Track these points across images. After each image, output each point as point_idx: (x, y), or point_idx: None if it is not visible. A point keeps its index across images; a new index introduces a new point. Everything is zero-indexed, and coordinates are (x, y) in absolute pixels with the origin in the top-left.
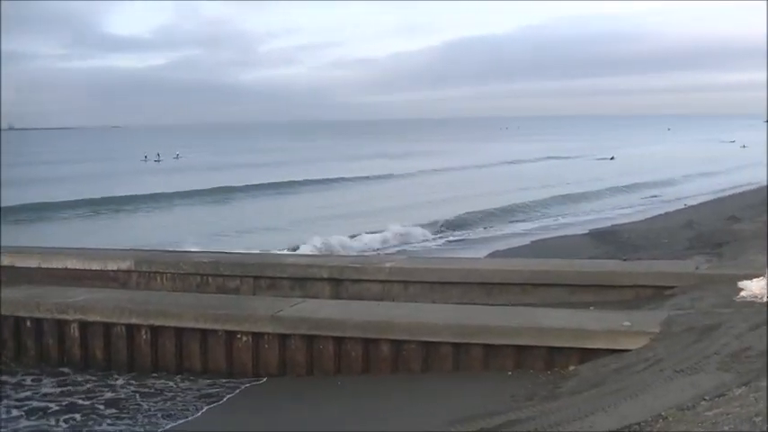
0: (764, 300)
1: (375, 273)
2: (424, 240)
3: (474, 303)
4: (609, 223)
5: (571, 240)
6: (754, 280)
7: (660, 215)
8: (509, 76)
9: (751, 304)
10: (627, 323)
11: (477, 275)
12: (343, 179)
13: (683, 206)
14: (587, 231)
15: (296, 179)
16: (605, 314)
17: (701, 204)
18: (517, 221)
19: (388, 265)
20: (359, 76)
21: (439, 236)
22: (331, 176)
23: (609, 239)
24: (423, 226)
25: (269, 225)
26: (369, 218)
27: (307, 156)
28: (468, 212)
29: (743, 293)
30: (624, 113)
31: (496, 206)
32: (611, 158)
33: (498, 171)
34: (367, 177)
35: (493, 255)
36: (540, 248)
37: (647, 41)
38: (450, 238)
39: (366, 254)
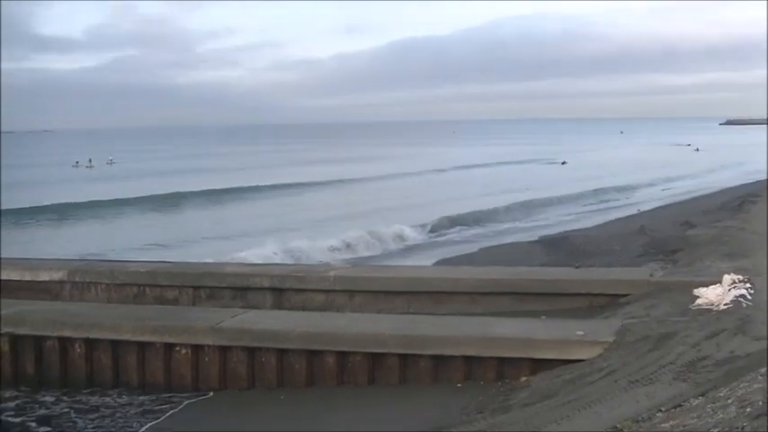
0: (721, 307)
1: (318, 282)
2: (373, 248)
3: (421, 313)
4: (560, 230)
5: (520, 247)
6: (710, 287)
7: (612, 221)
8: (457, 78)
9: (707, 312)
10: (580, 332)
11: (423, 284)
12: (294, 185)
13: (636, 212)
14: (537, 238)
15: (243, 185)
16: (557, 323)
17: (654, 210)
18: (465, 228)
19: (331, 273)
20: (301, 78)
21: (393, 243)
22: (279, 182)
23: (560, 246)
24: (373, 234)
25: (215, 234)
26: (323, 226)
27: (251, 161)
28: (420, 220)
29: (699, 301)
30: (575, 116)
31: (446, 213)
32: (563, 163)
33: (449, 176)
34: (319, 183)
35: (440, 263)
36: (488, 256)
37: (598, 42)
38: (401, 246)
39: (309, 263)
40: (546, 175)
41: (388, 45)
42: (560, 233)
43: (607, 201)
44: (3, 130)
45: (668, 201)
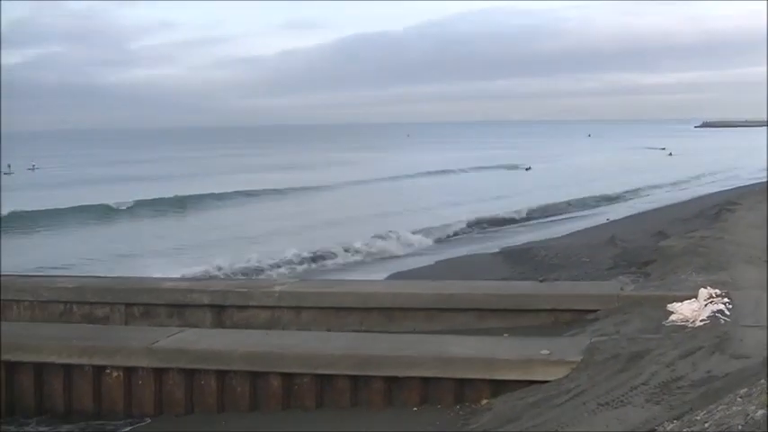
0: (697, 324)
1: (263, 298)
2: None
3: (373, 331)
4: (523, 240)
5: (480, 260)
6: (685, 302)
7: (580, 231)
8: (411, 78)
9: (682, 329)
10: (545, 351)
11: (376, 300)
12: (251, 193)
13: (606, 221)
14: (498, 249)
15: (187, 194)
16: (520, 342)
17: (624, 219)
18: (419, 237)
19: (277, 289)
20: (244, 76)
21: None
22: (233, 190)
23: (523, 258)
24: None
25: (155, 248)
26: (288, 237)
27: (191, 167)
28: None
29: (673, 317)
30: (540, 118)
31: (402, 222)
32: (527, 169)
33: (408, 184)
34: (277, 191)
35: (394, 276)
36: (445, 269)
37: (565, 39)
38: (350, 259)
39: (253, 277)
40: (509, 182)
41: (337, 42)
42: (523, 244)
43: (573, 208)
44: None
45: (640, 209)
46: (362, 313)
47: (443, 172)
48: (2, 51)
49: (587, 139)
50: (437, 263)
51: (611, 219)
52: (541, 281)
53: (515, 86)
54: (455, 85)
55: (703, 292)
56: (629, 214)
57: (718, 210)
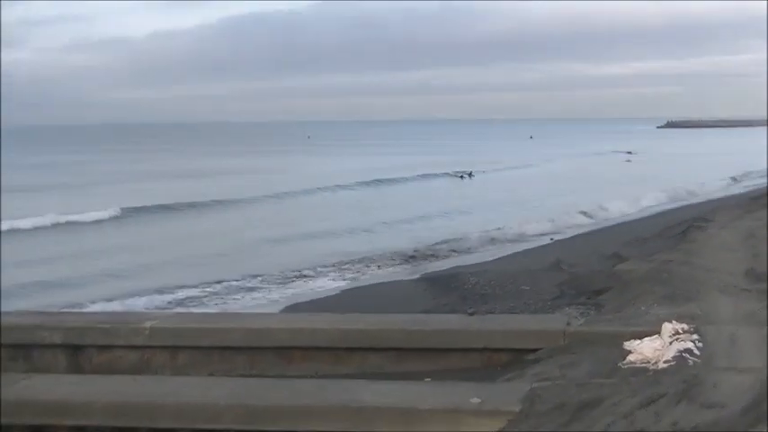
0: (660, 366)
1: (130, 336)
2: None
3: (267, 376)
4: (449, 264)
5: (397, 288)
6: (646, 339)
7: (518, 253)
8: (312, 67)
9: (642, 372)
10: (475, 400)
11: (270, 337)
12: (131, 209)
13: (549, 241)
14: (419, 276)
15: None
16: (446, 388)
17: (572, 238)
18: (324, 259)
19: (147, 324)
20: (107, 62)
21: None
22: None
23: (449, 286)
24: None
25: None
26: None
27: (41, 177)
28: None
29: (631, 357)
30: (468, 116)
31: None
32: (469, 175)
33: (342, 197)
34: (167, 207)
35: (291, 309)
36: (355, 299)
37: (502, 21)
38: (233, 282)
39: (119, 310)
40: (443, 194)
41: (223, 21)
42: (450, 269)
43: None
44: None
45: (590, 227)
46: (253, 354)
47: (379, 182)
48: None
49: (529, 141)
50: (343, 292)
51: (556, 238)
52: (471, 314)
53: (438, 78)
54: (365, 75)
55: (668, 328)
56: (577, 233)
57: (685, 227)
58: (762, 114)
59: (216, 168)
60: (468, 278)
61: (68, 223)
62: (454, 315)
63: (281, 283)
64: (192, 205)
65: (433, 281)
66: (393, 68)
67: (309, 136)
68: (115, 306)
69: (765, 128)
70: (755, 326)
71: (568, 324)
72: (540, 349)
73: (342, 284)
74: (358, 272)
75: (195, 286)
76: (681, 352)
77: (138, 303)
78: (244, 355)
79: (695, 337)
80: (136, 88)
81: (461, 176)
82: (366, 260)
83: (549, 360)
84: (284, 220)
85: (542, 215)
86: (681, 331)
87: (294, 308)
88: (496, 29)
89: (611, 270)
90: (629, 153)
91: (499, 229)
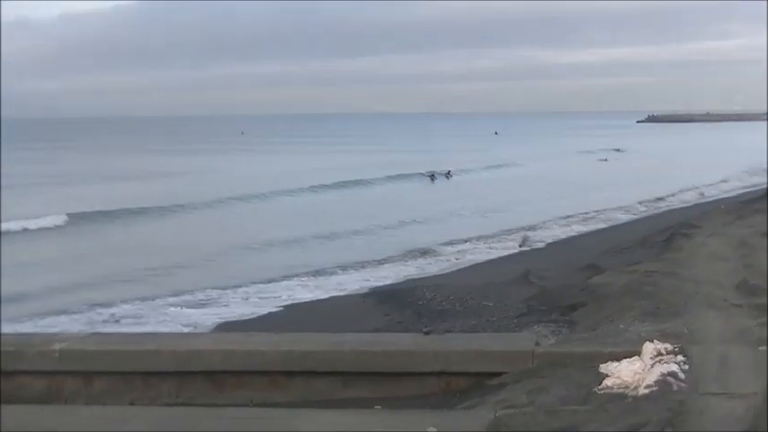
0: (641, 391)
1: (37, 360)
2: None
3: (195, 404)
4: (402, 276)
5: (344, 304)
6: (625, 361)
7: (481, 264)
8: (242, 54)
9: (620, 398)
10: (432, 429)
11: (200, 360)
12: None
13: (516, 250)
14: (368, 290)
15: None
16: (398, 416)
17: (543, 248)
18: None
19: (57, 347)
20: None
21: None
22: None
23: (402, 302)
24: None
25: None
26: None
27: None
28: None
29: (607, 382)
30: (421, 109)
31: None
32: (447, 175)
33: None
34: (107, 213)
35: (223, 327)
36: (296, 317)
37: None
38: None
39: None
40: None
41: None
42: (402, 282)
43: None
44: None
45: (563, 234)
46: (180, 379)
47: (344, 184)
48: None
49: (494, 138)
50: (284, 308)
51: (524, 247)
52: (427, 333)
53: (385, 66)
54: (301, 63)
55: (649, 348)
56: (548, 241)
57: (669, 235)
58: (754, 107)
59: (153, 169)
60: (424, 292)
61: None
62: (408, 334)
63: (213, 301)
64: (141, 211)
65: (383, 296)
66: (336, 56)
67: (243, 132)
68: (26, 327)
69: (757, 122)
70: (749, 345)
71: (537, 344)
72: (506, 373)
73: (285, 300)
74: (305, 286)
75: (127, 302)
76: (664, 375)
77: (57, 323)
78: (170, 381)
79: (681, 358)
80: (41, 79)
81: (432, 177)
82: (318, 273)
83: (515, 385)
84: (235, 227)
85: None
86: (664, 352)
87: (227, 327)
88: (446, 11)
89: (585, 283)
90: (618, 151)
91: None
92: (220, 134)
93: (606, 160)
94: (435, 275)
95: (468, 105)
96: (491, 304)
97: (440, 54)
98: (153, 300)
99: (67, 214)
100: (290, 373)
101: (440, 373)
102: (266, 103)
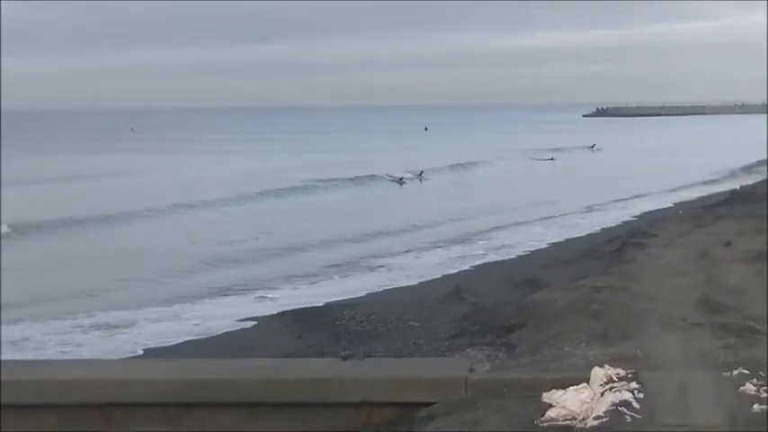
0: (589, 423)
1: None
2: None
3: None
4: (318, 296)
5: (251, 326)
6: (571, 389)
7: (406, 282)
8: (124, 37)
9: (566, 431)
10: None
11: (85, 391)
12: None
13: (446, 260)
14: (279, 311)
15: None
16: None
17: (479, 265)
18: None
19: None
20: None
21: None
22: None
23: (317, 323)
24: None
25: None
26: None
27: None
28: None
29: (551, 413)
30: (341, 102)
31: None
32: (419, 176)
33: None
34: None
35: (131, 353)
36: (194, 342)
37: None
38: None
39: None
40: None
41: None
42: (317, 302)
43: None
44: None
45: (501, 245)
46: (63, 412)
47: (300, 189)
48: None
49: (425, 134)
50: (194, 326)
51: (453, 258)
52: (345, 358)
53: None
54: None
55: (598, 374)
56: (484, 253)
57: (619, 245)
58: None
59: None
60: (342, 312)
61: None
62: (324, 359)
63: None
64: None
65: (296, 317)
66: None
67: (133, 128)
68: None
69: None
70: (711, 371)
71: (471, 371)
72: (435, 403)
73: (186, 325)
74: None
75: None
76: (616, 405)
77: None
78: (52, 414)
79: (634, 385)
80: None
81: (400, 181)
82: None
83: (446, 417)
84: (169, 238)
85: None
86: (616, 378)
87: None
88: None
89: (524, 300)
90: (554, 154)
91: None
92: (111, 131)
93: (552, 159)
94: (354, 298)
95: (401, 97)
96: (418, 325)
97: (363, 39)
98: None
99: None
100: (187, 405)
101: (360, 404)
102: (158, 95)
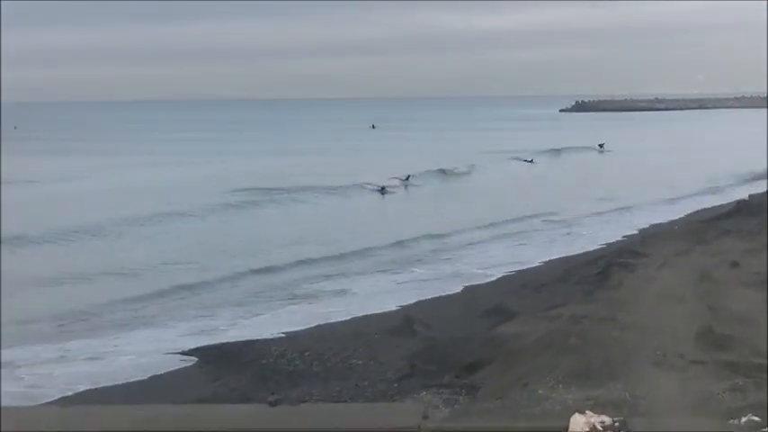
0: None
1: None
2: None
3: None
4: (242, 331)
5: (163, 365)
6: None
7: (348, 312)
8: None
9: None
10: None
11: None
12: None
13: (398, 285)
14: (192, 348)
15: None
16: None
17: (436, 290)
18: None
19: None
20: None
21: None
22: None
23: (239, 361)
24: None
25: None
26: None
27: None
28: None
29: None
30: (270, 95)
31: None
32: (405, 180)
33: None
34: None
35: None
36: (93, 383)
37: None
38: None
39: None
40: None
41: None
42: (241, 336)
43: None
44: None
45: (464, 270)
46: None
47: (219, 206)
48: None
49: (372, 132)
50: (80, 371)
51: (401, 283)
52: (273, 404)
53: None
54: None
55: (579, 422)
56: (440, 278)
57: (603, 266)
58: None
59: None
60: (270, 348)
61: None
62: (247, 405)
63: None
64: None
65: (214, 355)
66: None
67: (16, 126)
68: None
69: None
70: (715, 418)
71: (425, 417)
72: None
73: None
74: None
75: None
76: None
77: None
78: None
79: None
80: None
81: (382, 191)
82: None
83: None
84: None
85: None
86: (600, 428)
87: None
88: None
89: (490, 333)
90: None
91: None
92: None
93: (532, 161)
94: (283, 335)
95: (343, 89)
96: (361, 363)
97: (300, 18)
98: None
99: None
100: None
101: None
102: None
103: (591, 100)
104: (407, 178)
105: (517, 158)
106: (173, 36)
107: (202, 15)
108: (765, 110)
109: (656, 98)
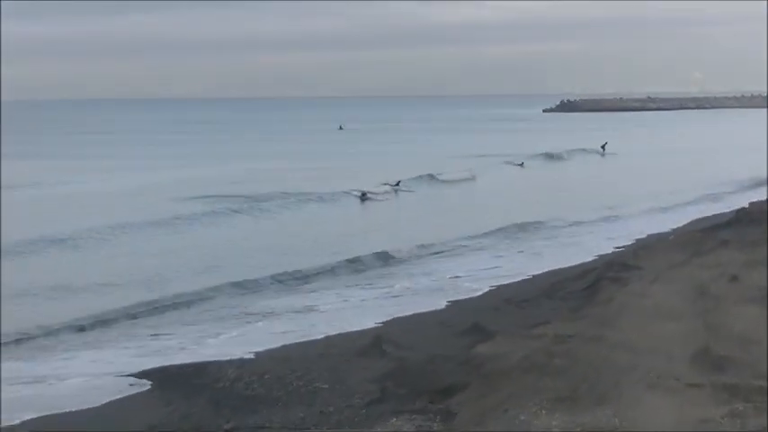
0: None
1: None
2: None
3: None
4: (199, 352)
5: (104, 389)
6: None
7: (311, 332)
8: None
9: None
10: None
11: None
12: None
13: (368, 300)
14: (140, 371)
15: None
16: None
17: (408, 306)
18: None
19: None
20: None
21: None
22: None
23: (192, 385)
24: None
25: None
26: None
27: None
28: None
29: None
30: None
31: None
32: (395, 185)
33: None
34: None
35: None
36: (40, 417)
37: None
38: None
39: None
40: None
41: None
42: (194, 358)
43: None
44: None
45: (437, 280)
46: None
47: (178, 218)
48: None
49: (338, 133)
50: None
51: (375, 300)
52: (229, 431)
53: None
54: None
55: None
56: (415, 293)
57: (592, 280)
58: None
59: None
60: (226, 371)
61: None
62: None
63: None
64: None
65: (165, 378)
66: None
67: None
68: None
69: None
70: None
71: None
72: None
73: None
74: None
75: None
76: None
77: None
78: None
79: None
80: None
81: (362, 197)
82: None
83: None
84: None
85: None
86: None
87: None
88: None
89: (467, 353)
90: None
91: None
92: None
93: (522, 165)
94: (243, 357)
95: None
96: (326, 387)
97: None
98: None
99: None
100: None
101: None
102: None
103: (578, 99)
104: (398, 183)
105: (511, 162)
106: (119, 29)
107: (154, 7)
108: (766, 110)
109: (649, 97)
